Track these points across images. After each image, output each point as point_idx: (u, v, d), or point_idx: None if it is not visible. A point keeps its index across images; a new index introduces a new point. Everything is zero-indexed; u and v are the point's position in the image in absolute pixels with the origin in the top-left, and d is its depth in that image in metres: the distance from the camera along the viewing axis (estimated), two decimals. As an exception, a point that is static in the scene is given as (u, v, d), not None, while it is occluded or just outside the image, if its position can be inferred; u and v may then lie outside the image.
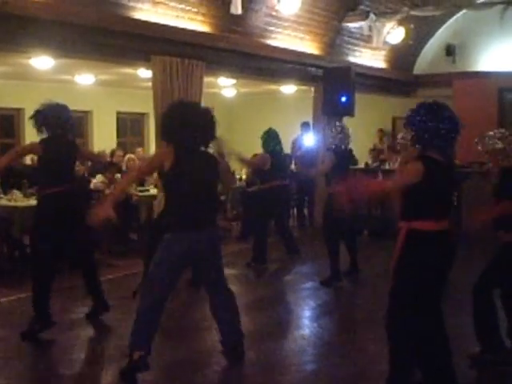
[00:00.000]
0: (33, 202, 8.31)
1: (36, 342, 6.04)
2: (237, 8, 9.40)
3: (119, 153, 12.61)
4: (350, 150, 8.65)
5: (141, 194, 10.63)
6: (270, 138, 9.41)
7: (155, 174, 6.73)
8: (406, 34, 13.59)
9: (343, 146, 8.40)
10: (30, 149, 6.76)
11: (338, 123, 8.85)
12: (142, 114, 16.41)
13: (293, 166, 13.38)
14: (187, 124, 5.09)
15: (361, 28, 12.77)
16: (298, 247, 9.95)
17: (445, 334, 4.49)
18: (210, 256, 5.28)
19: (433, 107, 4.50)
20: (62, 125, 6.23)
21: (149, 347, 5.02)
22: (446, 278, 4.53)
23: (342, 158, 8.32)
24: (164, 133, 5.26)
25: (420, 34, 14.76)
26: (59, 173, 6.25)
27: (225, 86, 14.83)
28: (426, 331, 4.43)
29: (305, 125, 13.51)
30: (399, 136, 6.87)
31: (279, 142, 9.48)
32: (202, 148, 5.26)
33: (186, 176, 5.07)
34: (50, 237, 6.16)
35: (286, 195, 9.80)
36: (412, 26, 13.70)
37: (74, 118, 6.50)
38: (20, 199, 9.18)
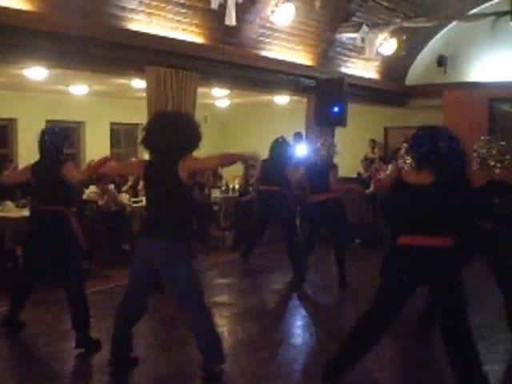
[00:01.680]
0: (25, 213, 8.30)
1: (30, 353, 6.06)
2: (231, 19, 9.44)
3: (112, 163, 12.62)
4: (330, 166, 9.05)
5: (134, 204, 10.65)
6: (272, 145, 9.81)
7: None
8: (399, 45, 13.66)
9: (319, 162, 8.99)
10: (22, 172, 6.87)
11: (326, 140, 9.20)
12: (136, 125, 16.41)
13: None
14: (158, 133, 5.21)
15: (353, 39, 12.82)
16: (302, 268, 9.45)
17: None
18: (165, 268, 5.19)
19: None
20: (51, 149, 6.32)
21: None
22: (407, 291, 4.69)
23: (317, 172, 8.93)
24: (141, 141, 5.39)
25: (412, 45, 14.83)
26: (43, 195, 6.39)
27: (219, 97, 14.85)
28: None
29: (298, 135, 13.55)
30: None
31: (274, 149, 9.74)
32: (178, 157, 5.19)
33: (147, 187, 5.37)
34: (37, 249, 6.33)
35: (279, 202, 9.67)
36: (404, 37, 13.77)
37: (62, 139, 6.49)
38: (13, 210, 9.17)
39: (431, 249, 4.53)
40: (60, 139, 6.34)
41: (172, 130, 5.16)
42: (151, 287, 5.50)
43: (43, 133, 6.37)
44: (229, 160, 5.53)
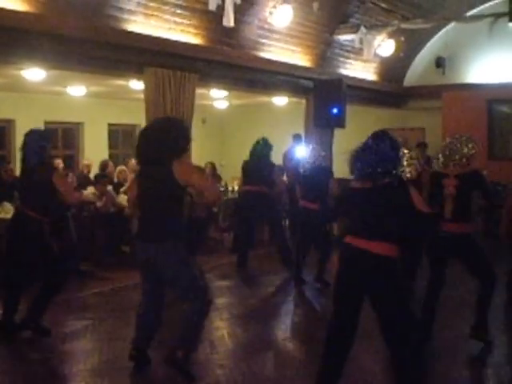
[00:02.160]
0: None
1: (25, 355, 6.05)
2: (229, 20, 9.43)
3: (111, 164, 12.63)
4: (323, 168, 9.11)
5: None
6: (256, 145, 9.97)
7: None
8: (397, 46, 13.67)
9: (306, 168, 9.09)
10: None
11: (313, 146, 9.42)
12: (134, 126, 16.40)
13: (285, 178, 13.41)
14: (145, 148, 5.42)
15: (352, 41, 12.83)
16: (291, 260, 9.75)
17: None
18: (162, 269, 5.32)
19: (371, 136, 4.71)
20: (37, 152, 6.39)
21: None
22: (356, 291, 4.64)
23: (311, 179, 8.95)
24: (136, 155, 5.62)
25: (410, 46, 14.84)
26: (27, 197, 6.49)
27: (217, 98, 14.84)
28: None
29: (296, 136, 13.54)
30: None
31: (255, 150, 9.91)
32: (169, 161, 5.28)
33: (140, 193, 5.48)
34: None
35: (262, 201, 9.75)
36: (402, 38, 13.78)
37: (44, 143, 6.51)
38: (10, 211, 9.13)
39: (366, 253, 4.52)
40: (42, 143, 6.39)
41: (155, 139, 5.33)
42: (161, 287, 5.56)
43: (25, 137, 6.46)
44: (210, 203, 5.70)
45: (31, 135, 6.46)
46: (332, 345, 4.70)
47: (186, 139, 5.46)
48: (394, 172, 4.56)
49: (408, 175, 7.21)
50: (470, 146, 6.28)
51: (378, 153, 4.52)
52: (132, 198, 5.83)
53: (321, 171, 8.99)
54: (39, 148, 6.36)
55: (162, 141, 5.28)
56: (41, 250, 6.36)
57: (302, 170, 9.21)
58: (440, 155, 6.39)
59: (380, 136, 4.64)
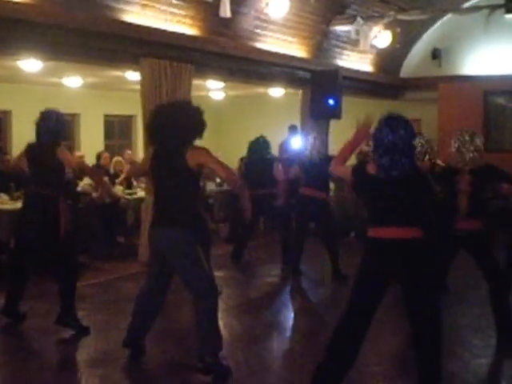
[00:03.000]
0: (20, 205, 8.28)
1: (23, 346, 6.07)
2: (225, 11, 9.42)
3: (106, 155, 12.62)
4: (324, 158, 9.10)
5: (128, 196, 10.64)
6: (256, 146, 9.80)
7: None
8: (393, 37, 13.65)
9: (312, 156, 9.08)
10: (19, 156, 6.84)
11: (310, 135, 9.41)
12: (130, 117, 16.39)
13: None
14: (164, 125, 5.24)
15: (348, 32, 12.82)
16: (288, 261, 9.58)
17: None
18: (172, 256, 5.27)
19: (385, 121, 4.53)
20: (45, 131, 6.36)
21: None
22: (383, 286, 4.58)
23: (314, 168, 8.97)
24: (147, 134, 5.52)
25: (406, 37, 14.83)
26: (38, 176, 6.44)
27: (213, 89, 14.83)
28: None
29: (292, 128, 13.55)
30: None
31: (261, 149, 9.77)
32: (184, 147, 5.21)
33: (153, 179, 5.44)
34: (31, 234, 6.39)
35: (270, 205, 9.68)
36: (399, 29, 13.76)
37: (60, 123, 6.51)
38: (6, 202, 9.15)
39: (396, 241, 4.47)
40: (59, 125, 6.37)
41: (173, 121, 5.20)
42: (166, 277, 5.53)
43: (43, 114, 6.41)
44: (233, 185, 5.61)
45: (50, 114, 6.42)
46: (345, 340, 4.63)
47: (203, 125, 5.36)
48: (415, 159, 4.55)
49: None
50: (480, 138, 6.20)
51: (403, 140, 4.44)
52: (134, 170, 5.85)
53: (325, 159, 8.98)
54: (55, 130, 6.35)
55: (179, 126, 5.18)
56: (55, 230, 6.28)
57: (307, 159, 9.14)
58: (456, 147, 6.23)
59: (402, 121, 4.53)
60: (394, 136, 4.41)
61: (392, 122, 4.49)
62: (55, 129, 6.39)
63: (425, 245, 4.53)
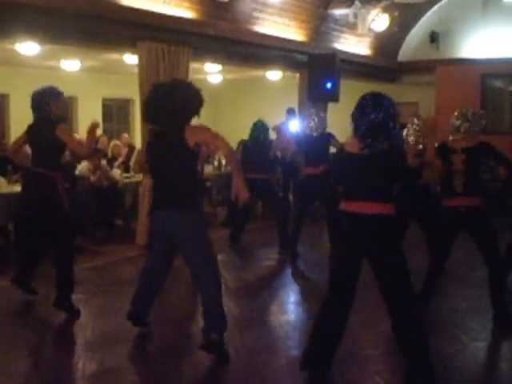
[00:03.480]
0: (17, 188, 8.31)
1: (21, 330, 6.11)
2: (223, -6, 9.41)
3: (104, 139, 12.62)
4: (326, 135, 9.15)
5: (126, 180, 10.66)
6: (255, 130, 9.77)
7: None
8: (391, 21, 13.64)
9: (314, 134, 9.09)
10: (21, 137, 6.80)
11: (312, 111, 9.41)
12: (128, 100, 16.38)
13: (278, 152, 13.43)
14: (162, 102, 5.21)
15: (346, 15, 12.79)
16: (286, 245, 9.58)
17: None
18: (183, 239, 5.28)
19: (367, 98, 4.63)
20: (42, 108, 6.34)
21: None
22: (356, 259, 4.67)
23: (310, 143, 9.04)
24: (144, 112, 5.46)
25: (404, 21, 14.81)
26: (37, 156, 6.44)
27: (211, 73, 14.81)
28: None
29: (290, 111, 13.54)
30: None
31: (261, 133, 9.75)
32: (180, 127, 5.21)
33: (152, 161, 5.39)
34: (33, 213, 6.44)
35: (265, 189, 9.66)
36: (396, 13, 13.75)
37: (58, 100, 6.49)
38: (4, 186, 9.15)
39: (362, 216, 4.57)
40: (45, 98, 6.34)
41: (171, 97, 5.18)
42: (170, 255, 5.63)
43: (33, 94, 6.40)
44: (232, 161, 5.52)
45: (37, 91, 6.39)
46: (331, 310, 4.76)
47: (201, 102, 5.34)
48: (393, 135, 4.57)
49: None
50: (477, 117, 6.22)
51: (378, 109, 4.52)
52: (140, 161, 5.89)
53: (322, 137, 9.06)
54: (44, 103, 6.31)
55: (177, 103, 5.16)
56: (54, 209, 6.30)
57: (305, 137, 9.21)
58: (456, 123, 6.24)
59: (378, 95, 4.63)
60: (374, 114, 4.52)
61: (374, 99, 4.58)
62: (44, 102, 6.33)
63: (391, 221, 4.59)
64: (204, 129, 5.29)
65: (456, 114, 6.21)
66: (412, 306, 4.59)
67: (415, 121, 7.22)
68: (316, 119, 9.14)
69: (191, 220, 5.23)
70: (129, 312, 5.81)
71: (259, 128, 9.71)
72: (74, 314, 6.38)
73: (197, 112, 5.34)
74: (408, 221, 7.53)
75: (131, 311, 5.81)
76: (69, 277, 6.44)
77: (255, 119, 9.91)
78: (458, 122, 6.16)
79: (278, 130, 12.62)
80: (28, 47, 10.06)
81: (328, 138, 9.15)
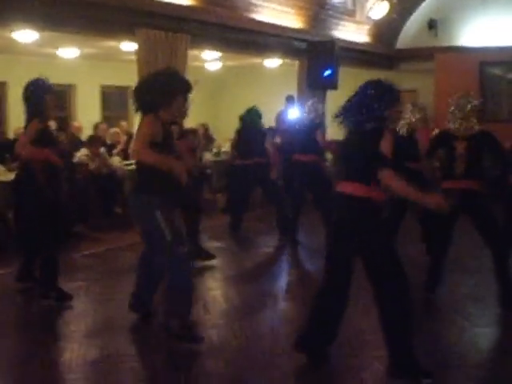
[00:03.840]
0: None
1: (22, 318, 6.13)
2: (222, -19, 9.38)
3: (103, 126, 12.61)
4: (316, 124, 9.20)
5: (126, 167, 10.65)
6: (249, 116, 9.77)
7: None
8: (390, 8, 13.63)
9: (305, 122, 9.25)
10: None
11: (310, 102, 9.45)
12: (126, 88, 16.32)
13: (277, 140, 13.43)
14: (138, 90, 5.33)
15: (345, 2, 12.79)
16: (286, 233, 9.58)
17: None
18: (135, 221, 5.59)
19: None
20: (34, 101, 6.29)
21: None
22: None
23: (300, 131, 9.24)
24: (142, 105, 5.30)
25: (403, 8, 14.79)
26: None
27: (210, 60, 14.77)
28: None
29: (289, 98, 13.53)
30: None
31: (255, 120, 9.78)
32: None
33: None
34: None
35: (261, 174, 9.66)
36: (395, 0, 13.72)
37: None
38: (3, 173, 9.14)
39: (342, 195, 4.65)
40: (39, 92, 6.24)
41: (142, 91, 5.29)
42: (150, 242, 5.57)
43: (26, 87, 6.33)
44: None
45: (30, 85, 6.28)
46: (325, 297, 4.85)
47: (162, 95, 5.16)
48: (378, 117, 4.59)
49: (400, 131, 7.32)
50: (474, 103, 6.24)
51: (360, 97, 4.64)
52: None
53: (308, 123, 9.15)
54: (37, 99, 6.24)
55: (144, 92, 5.25)
56: (37, 198, 6.22)
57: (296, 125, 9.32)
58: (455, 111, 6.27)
59: (366, 83, 4.72)
60: (355, 96, 4.69)
61: (363, 85, 4.73)
62: (37, 97, 6.27)
63: (366, 201, 4.58)
64: (143, 121, 5.27)
65: (453, 100, 6.26)
66: (392, 283, 4.59)
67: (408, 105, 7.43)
68: (307, 108, 9.19)
69: (138, 201, 5.28)
70: (130, 301, 5.85)
71: (253, 113, 9.70)
72: (64, 300, 6.34)
73: (158, 104, 5.18)
74: (404, 211, 7.52)
75: (132, 301, 5.84)
76: (49, 265, 6.35)
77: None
78: (456, 110, 6.20)
79: (277, 118, 12.67)
80: (25, 35, 10.01)
81: (317, 126, 9.17)
